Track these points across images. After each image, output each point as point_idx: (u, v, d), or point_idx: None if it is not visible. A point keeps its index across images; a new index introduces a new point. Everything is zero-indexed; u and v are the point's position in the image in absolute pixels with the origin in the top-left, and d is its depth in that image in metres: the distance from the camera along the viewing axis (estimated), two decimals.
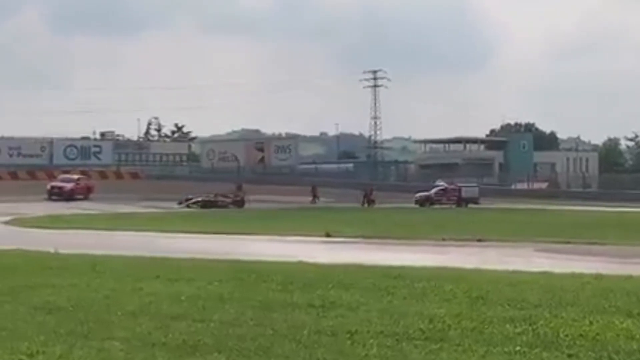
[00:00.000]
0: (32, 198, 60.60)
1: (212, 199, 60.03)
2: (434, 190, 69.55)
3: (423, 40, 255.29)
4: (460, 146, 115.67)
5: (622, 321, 10.13)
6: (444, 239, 26.64)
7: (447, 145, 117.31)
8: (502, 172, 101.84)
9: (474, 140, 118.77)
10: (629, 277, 14.73)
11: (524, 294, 12.31)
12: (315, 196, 69.43)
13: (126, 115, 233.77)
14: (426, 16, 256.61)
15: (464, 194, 68.51)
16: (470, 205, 65.04)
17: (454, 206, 65.28)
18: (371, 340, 9.14)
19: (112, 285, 13.58)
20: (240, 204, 60.10)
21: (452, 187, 70.04)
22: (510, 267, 16.28)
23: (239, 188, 66.01)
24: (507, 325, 9.89)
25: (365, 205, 65.09)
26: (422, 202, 66.42)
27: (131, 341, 9.19)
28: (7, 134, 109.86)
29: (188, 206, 57.86)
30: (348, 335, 9.40)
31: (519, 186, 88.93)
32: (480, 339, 9.22)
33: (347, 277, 14.36)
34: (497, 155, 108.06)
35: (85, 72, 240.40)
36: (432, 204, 66.11)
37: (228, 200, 60.64)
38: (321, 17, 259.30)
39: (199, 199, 59.40)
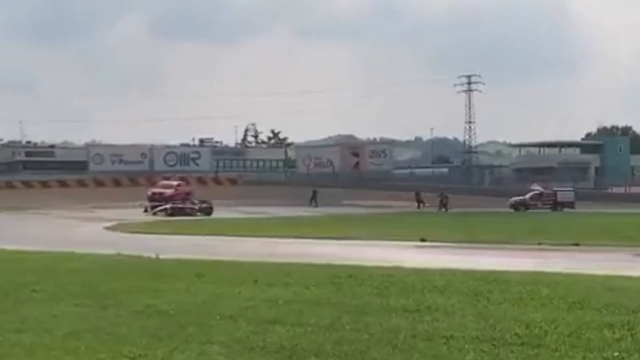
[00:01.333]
0: (134, 204, 61.80)
1: (181, 206, 56.28)
2: (529, 195, 68.82)
3: (517, 44, 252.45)
4: (555, 150, 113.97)
5: None
6: (540, 244, 26.38)
7: (542, 149, 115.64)
8: (598, 176, 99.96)
9: (570, 144, 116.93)
10: None
11: (622, 299, 12.14)
12: (420, 201, 69.23)
13: (224, 122, 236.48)
14: (520, 19, 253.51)
15: (559, 198, 67.77)
16: (566, 210, 64.21)
17: (549, 210, 64.53)
18: (467, 345, 9.13)
19: (211, 290, 13.83)
20: (208, 211, 56.51)
21: (547, 191, 69.23)
22: (608, 272, 16.06)
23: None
24: (605, 331, 9.77)
25: (442, 209, 64.84)
26: (517, 207, 65.88)
27: (230, 345, 9.33)
28: (109, 141, 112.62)
29: (154, 214, 54.83)
30: (444, 340, 9.40)
31: (616, 190, 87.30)
32: (578, 345, 9.12)
33: (442, 282, 14.33)
34: (593, 159, 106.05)
35: (184, 80, 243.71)
36: (527, 208, 65.47)
37: (195, 207, 56.88)
38: (416, 22, 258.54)
39: (167, 206, 55.98)
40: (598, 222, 44.27)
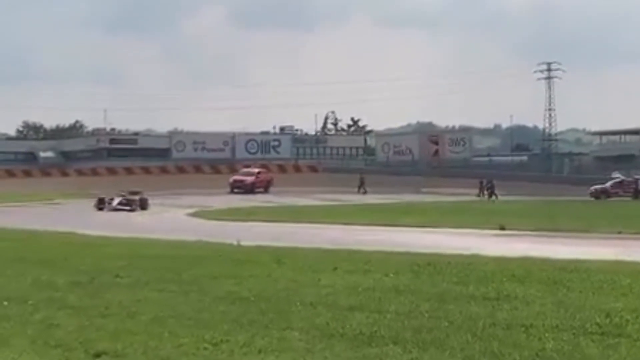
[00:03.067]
0: (215, 191, 62.43)
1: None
2: (609, 183, 67.72)
3: (598, 31, 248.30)
4: (637, 137, 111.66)
5: None
6: (620, 232, 26.02)
7: (623, 136, 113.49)
8: None
9: None
10: None
11: None
12: (483, 190, 68.36)
13: (304, 110, 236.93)
14: (601, 6, 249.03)
15: None
16: None
17: (630, 199, 63.52)
18: (546, 334, 9.13)
19: (292, 277, 13.98)
20: (143, 204, 46.27)
21: (628, 179, 68.13)
22: None
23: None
24: None
25: (486, 197, 64.09)
26: (597, 195, 64.91)
27: (310, 331, 9.45)
28: (191, 128, 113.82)
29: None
30: (523, 329, 9.42)
31: None
32: None
33: (521, 270, 14.28)
34: None
35: (264, 68, 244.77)
36: (608, 196, 64.48)
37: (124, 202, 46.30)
38: (495, 9, 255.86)
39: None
40: None
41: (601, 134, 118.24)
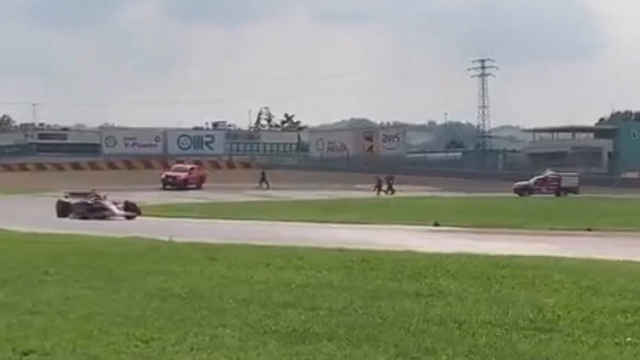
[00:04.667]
0: (147, 187, 61.92)
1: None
2: (533, 180, 68.88)
3: (533, 29, 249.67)
4: (569, 135, 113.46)
5: None
6: (552, 229, 26.35)
7: (555, 134, 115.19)
8: (612, 161, 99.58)
9: (583, 129, 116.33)
10: None
11: (636, 285, 12.12)
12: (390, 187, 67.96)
13: (238, 105, 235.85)
14: (537, 4, 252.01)
15: (563, 184, 67.80)
16: (570, 195, 64.20)
17: (553, 195, 64.56)
18: (480, 330, 9.15)
19: (224, 273, 13.87)
20: (134, 210, 36.17)
21: (552, 176, 69.23)
22: (622, 257, 16.02)
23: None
24: (618, 316, 9.78)
25: (383, 193, 64.35)
26: (521, 191, 65.95)
27: (243, 328, 9.36)
28: (122, 124, 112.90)
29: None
30: (456, 325, 9.42)
31: (629, 175, 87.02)
32: (591, 330, 9.14)
33: (455, 266, 14.33)
34: (607, 144, 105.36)
35: (198, 62, 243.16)
36: (531, 193, 65.51)
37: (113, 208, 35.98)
38: (431, 6, 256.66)
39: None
40: (608, 207, 44.22)
41: (534, 131, 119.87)
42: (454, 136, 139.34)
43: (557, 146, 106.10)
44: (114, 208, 35.37)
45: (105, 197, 36.69)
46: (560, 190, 66.37)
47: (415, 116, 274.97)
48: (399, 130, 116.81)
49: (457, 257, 15.97)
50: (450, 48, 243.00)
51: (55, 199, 38.17)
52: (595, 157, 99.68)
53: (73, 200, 36.86)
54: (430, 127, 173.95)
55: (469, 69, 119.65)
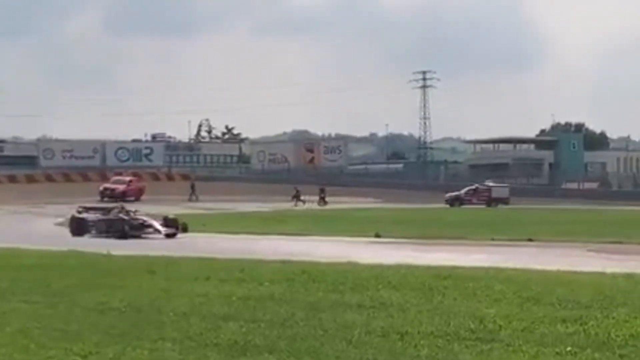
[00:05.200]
0: (85, 199, 61.14)
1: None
2: (464, 190, 69.43)
3: (476, 41, 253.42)
4: (510, 146, 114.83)
5: None
6: (493, 239, 26.50)
7: (497, 145, 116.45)
8: (553, 172, 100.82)
9: (524, 140, 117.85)
10: None
11: (576, 294, 12.21)
12: (322, 198, 67.86)
13: (179, 117, 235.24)
14: (477, 16, 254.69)
15: (494, 194, 68.42)
16: (501, 206, 64.75)
17: (484, 206, 65.09)
18: (422, 341, 9.15)
19: (164, 286, 13.72)
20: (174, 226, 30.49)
21: (483, 187, 69.89)
22: (562, 267, 16.12)
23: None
24: (558, 326, 9.85)
25: (302, 204, 64.02)
26: (452, 202, 66.38)
27: (183, 342, 9.28)
28: (60, 136, 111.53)
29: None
30: (399, 336, 9.41)
31: (570, 186, 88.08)
32: (531, 339, 9.20)
33: (397, 278, 14.32)
34: (547, 155, 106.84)
35: (138, 75, 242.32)
36: (461, 203, 65.99)
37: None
38: (373, 19, 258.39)
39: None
40: (548, 217, 44.69)
41: (476, 142, 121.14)
42: (395, 148, 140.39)
43: (498, 157, 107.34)
44: (157, 224, 30.21)
45: (136, 212, 31.79)
46: (491, 201, 66.87)
47: (357, 128, 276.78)
48: (340, 142, 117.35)
49: (399, 268, 15.95)
50: (392, 60, 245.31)
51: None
52: (536, 168, 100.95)
53: (90, 216, 31.87)
54: (371, 139, 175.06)
55: (410, 81, 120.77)
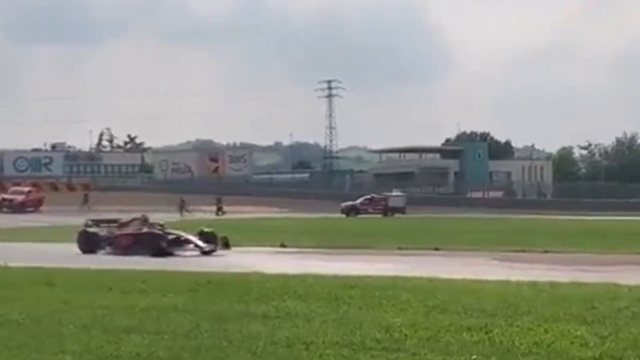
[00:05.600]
0: None
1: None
2: (360, 200, 69.91)
3: (381, 50, 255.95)
4: (415, 155, 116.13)
5: (577, 329, 10.11)
6: (400, 248, 26.60)
7: (402, 154, 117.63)
8: (458, 181, 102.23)
9: (430, 150, 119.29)
10: (583, 285, 14.75)
11: (481, 303, 12.28)
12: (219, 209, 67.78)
13: (80, 127, 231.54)
14: (385, 26, 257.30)
15: (390, 204, 68.99)
16: (397, 215, 65.31)
17: (380, 215, 65.51)
18: (327, 351, 9.07)
19: (64, 298, 13.39)
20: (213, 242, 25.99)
21: (379, 196, 70.45)
22: (467, 276, 16.24)
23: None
24: (464, 334, 9.86)
25: (187, 214, 64.15)
26: (347, 212, 66.68)
27: (83, 355, 9.06)
28: None
29: None
30: (304, 346, 9.32)
31: (475, 195, 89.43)
32: (437, 348, 9.19)
33: (303, 288, 14.27)
34: (453, 164, 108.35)
35: (39, 83, 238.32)
36: (357, 213, 66.33)
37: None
38: (279, 28, 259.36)
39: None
40: (453, 226, 45.17)
41: (381, 151, 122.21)
42: (301, 157, 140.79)
43: (404, 166, 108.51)
44: (196, 239, 25.83)
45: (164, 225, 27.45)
46: (387, 210, 67.35)
47: (263, 137, 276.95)
48: (245, 151, 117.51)
49: (305, 277, 15.88)
50: (298, 69, 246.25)
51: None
52: (442, 177, 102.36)
53: (104, 231, 27.83)
54: (277, 148, 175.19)
55: (316, 90, 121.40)
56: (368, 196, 70.60)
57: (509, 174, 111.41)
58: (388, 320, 10.86)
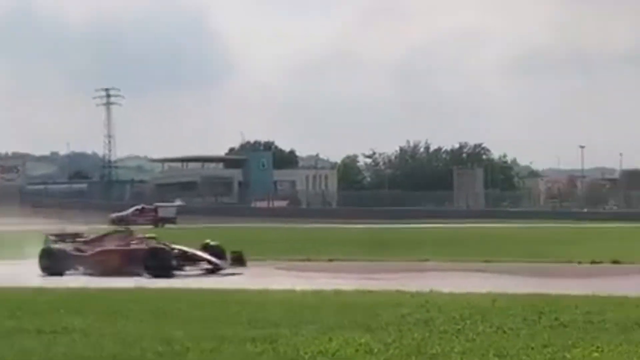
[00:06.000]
0: None
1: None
2: (130, 210, 69.31)
3: (160, 57, 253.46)
4: (198, 165, 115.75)
5: (361, 336, 10.13)
6: None
7: (185, 163, 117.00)
8: (242, 191, 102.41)
9: (213, 159, 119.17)
10: (368, 292, 14.93)
11: (265, 313, 12.21)
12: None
13: None
14: (164, 33, 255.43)
15: (161, 214, 68.68)
16: (168, 225, 64.88)
17: (151, 226, 64.93)
18: None
19: None
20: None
21: (149, 207, 70.08)
22: (253, 287, 16.15)
23: None
24: (248, 345, 9.73)
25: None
26: (118, 223, 65.73)
27: None
28: None
29: None
30: None
31: (260, 204, 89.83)
32: (219, 359, 9.10)
33: (80, 302, 13.94)
34: (237, 174, 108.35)
35: None
36: (127, 224, 65.43)
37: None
38: (52, 34, 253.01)
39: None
40: (238, 236, 44.98)
41: (163, 161, 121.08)
42: (79, 167, 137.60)
43: (187, 176, 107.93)
44: (207, 255, 22.24)
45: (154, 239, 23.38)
46: (158, 221, 66.73)
47: (37, 147, 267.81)
48: (18, 161, 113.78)
49: (81, 291, 15.47)
50: (74, 77, 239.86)
51: None
52: (226, 187, 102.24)
53: (82, 247, 23.50)
54: (53, 158, 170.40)
55: (94, 98, 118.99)
56: (139, 207, 69.90)
57: (293, 183, 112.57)
58: (169, 332, 10.62)
